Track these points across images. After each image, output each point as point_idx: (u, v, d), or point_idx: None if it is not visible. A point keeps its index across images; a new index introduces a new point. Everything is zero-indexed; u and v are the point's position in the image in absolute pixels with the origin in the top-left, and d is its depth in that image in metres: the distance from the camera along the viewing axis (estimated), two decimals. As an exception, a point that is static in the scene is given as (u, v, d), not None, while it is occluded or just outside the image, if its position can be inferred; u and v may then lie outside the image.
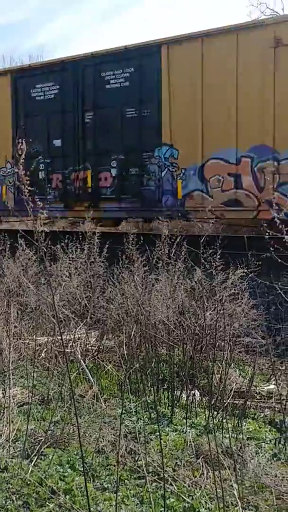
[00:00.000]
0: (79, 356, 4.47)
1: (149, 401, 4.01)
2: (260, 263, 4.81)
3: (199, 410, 4.02)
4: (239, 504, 2.52)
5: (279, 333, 6.53)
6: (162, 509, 2.48)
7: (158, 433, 3.20)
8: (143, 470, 2.89)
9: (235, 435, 3.48)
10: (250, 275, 4.45)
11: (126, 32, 46.25)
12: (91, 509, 2.51)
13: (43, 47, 61.30)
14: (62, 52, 52.20)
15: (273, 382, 4.65)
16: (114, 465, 3.02)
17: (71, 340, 4.71)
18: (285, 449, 3.28)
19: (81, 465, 2.90)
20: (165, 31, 48.01)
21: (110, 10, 52.92)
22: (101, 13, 52.46)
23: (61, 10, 54.31)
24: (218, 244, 4.10)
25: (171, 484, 2.84)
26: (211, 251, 4.14)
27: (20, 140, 11.23)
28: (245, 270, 4.45)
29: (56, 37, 52.71)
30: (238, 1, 50.24)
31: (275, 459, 3.19)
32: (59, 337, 4.24)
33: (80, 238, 5.34)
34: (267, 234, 2.96)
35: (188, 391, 4.13)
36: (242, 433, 3.55)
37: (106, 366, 4.63)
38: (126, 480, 2.93)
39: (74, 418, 2.90)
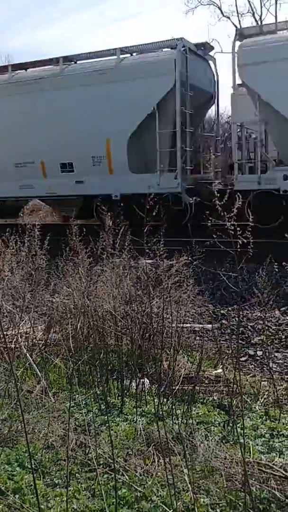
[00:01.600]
0: (25, 351, 4.36)
1: (98, 393, 3.98)
2: (203, 250, 4.87)
3: (149, 398, 4.02)
4: (190, 489, 2.54)
5: (225, 318, 6.67)
6: (114, 500, 2.46)
7: (108, 424, 3.18)
8: (93, 463, 2.87)
9: (185, 421, 3.51)
10: (194, 263, 4.48)
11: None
12: (42, 506, 2.45)
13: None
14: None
15: (221, 366, 4.73)
16: (64, 460, 2.97)
17: (16, 335, 4.59)
18: (234, 432, 3.34)
19: (30, 463, 2.84)
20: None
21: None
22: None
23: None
24: (162, 233, 4.10)
25: (122, 475, 2.83)
26: (155, 240, 4.13)
27: None
28: (189, 258, 4.47)
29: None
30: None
31: (224, 441, 3.24)
32: (1, 333, 4.12)
33: (20, 231, 5.19)
34: (209, 221, 2.97)
35: (138, 380, 4.13)
36: (192, 418, 3.59)
37: (53, 360, 4.55)
38: (77, 474, 2.89)
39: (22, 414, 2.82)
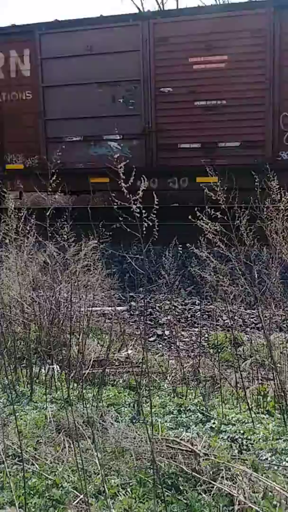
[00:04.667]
0: None
1: (6, 382, 3.87)
2: (111, 233, 4.86)
3: (59, 384, 3.99)
4: (101, 472, 2.56)
5: (134, 300, 6.76)
6: (24, 491, 2.42)
7: (14, 414, 3.10)
8: (1, 455, 2.79)
9: (96, 404, 3.53)
10: (101, 246, 4.48)
11: None
12: None
13: None
14: None
15: (130, 347, 4.80)
16: None
17: None
18: (142, 411, 3.41)
19: None
20: None
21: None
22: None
23: None
24: (68, 216, 4.03)
25: (32, 464, 2.79)
26: (61, 223, 4.07)
27: None
28: (96, 242, 4.46)
29: None
30: None
31: (133, 421, 3.30)
32: None
33: None
34: (115, 204, 2.96)
35: (47, 367, 4.08)
36: (102, 401, 3.61)
37: None
38: (-16, 469, 2.80)
39: None
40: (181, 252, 4.74)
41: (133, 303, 6.67)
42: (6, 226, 4.20)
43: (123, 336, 4.44)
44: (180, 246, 4.68)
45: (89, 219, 5.02)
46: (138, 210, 2.54)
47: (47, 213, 3.32)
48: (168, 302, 6.10)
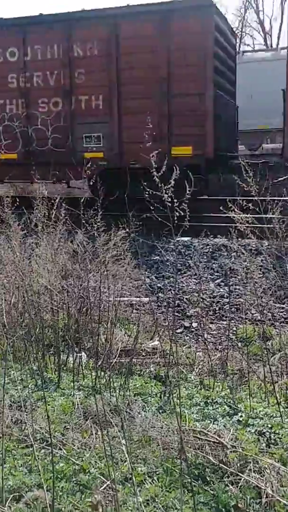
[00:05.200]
0: None
1: (35, 368, 3.92)
2: (141, 223, 4.86)
3: (86, 372, 4.02)
4: (128, 459, 2.57)
5: (162, 291, 6.74)
6: (52, 474, 2.44)
7: (44, 399, 3.14)
8: (30, 439, 2.83)
9: (123, 393, 3.54)
10: (131, 236, 4.47)
11: None
12: (-24, 485, 2.40)
13: None
14: None
15: (157, 338, 4.80)
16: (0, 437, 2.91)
17: None
18: (170, 401, 3.41)
19: None
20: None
21: None
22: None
23: None
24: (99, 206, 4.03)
25: (60, 449, 2.82)
26: (92, 213, 4.07)
27: None
28: (127, 230, 4.45)
29: None
30: None
31: (160, 411, 3.30)
32: None
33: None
34: (146, 194, 2.94)
35: (75, 354, 4.11)
36: (129, 390, 3.62)
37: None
38: (13, 451, 2.85)
39: None
40: (211, 243, 4.70)
41: (160, 294, 6.65)
42: (39, 213, 4.24)
43: (156, 327, 4.43)
44: (211, 236, 4.63)
45: (121, 209, 5.02)
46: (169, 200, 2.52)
47: (81, 201, 3.32)
48: (196, 294, 6.06)
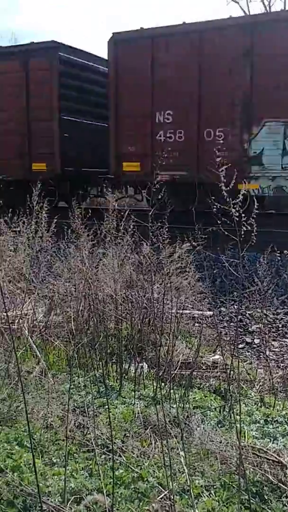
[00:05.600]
0: (26, 332, 4.41)
1: (97, 375, 4.03)
2: (206, 236, 4.88)
3: (147, 382, 4.08)
4: (186, 471, 2.60)
5: (224, 305, 6.71)
6: (111, 480, 2.52)
7: (106, 406, 3.23)
8: (92, 443, 2.92)
9: (182, 405, 3.57)
10: (196, 248, 4.50)
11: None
12: (40, 484, 2.51)
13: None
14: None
15: (218, 352, 4.78)
16: (63, 440, 3.03)
17: (17, 316, 4.63)
18: (229, 416, 3.40)
19: (29, 442, 2.89)
20: None
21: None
22: None
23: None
24: (165, 218, 4.10)
25: (120, 456, 2.89)
26: (158, 225, 4.15)
27: None
28: (193, 243, 4.49)
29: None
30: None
31: (219, 426, 3.30)
32: (5, 313, 4.16)
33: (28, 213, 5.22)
34: (214, 207, 2.98)
35: (136, 364, 4.18)
36: (189, 403, 3.65)
37: (53, 341, 4.60)
38: (75, 454, 2.95)
39: (21, 395, 2.87)
40: (277, 259, 4.65)
41: (223, 309, 6.62)
42: (108, 224, 4.38)
43: (219, 341, 4.42)
44: (278, 252, 4.58)
45: (187, 222, 5.07)
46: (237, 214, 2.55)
47: (150, 213, 3.41)
48: (260, 310, 5.99)
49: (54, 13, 50.36)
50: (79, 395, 3.69)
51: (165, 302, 4.33)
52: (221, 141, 9.78)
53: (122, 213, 4.39)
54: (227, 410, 3.52)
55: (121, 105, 10.80)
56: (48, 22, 49.47)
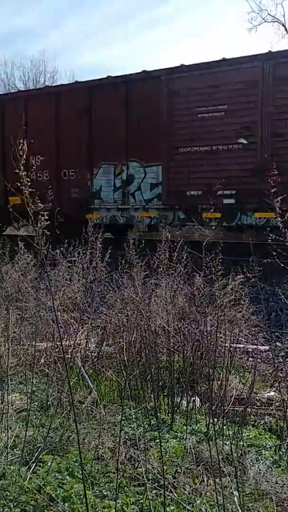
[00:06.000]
0: (79, 362, 4.44)
1: (149, 408, 3.98)
2: (261, 268, 4.80)
3: (199, 417, 3.99)
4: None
5: (280, 340, 6.51)
6: (162, 516, 2.45)
7: (158, 440, 3.17)
8: (143, 477, 2.86)
9: (235, 442, 3.45)
10: (251, 281, 4.43)
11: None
12: (90, 516, 2.48)
13: (45, 52, 62.56)
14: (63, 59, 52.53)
15: (274, 388, 4.62)
16: (114, 472, 2.99)
17: (70, 346, 4.68)
18: (286, 456, 3.25)
19: (80, 472, 2.87)
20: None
21: (115, 17, 52.87)
22: (107, 20, 52.48)
23: (67, 18, 54.44)
24: (219, 250, 4.08)
25: (171, 492, 2.81)
26: (211, 256, 4.13)
27: None
28: (248, 275, 4.43)
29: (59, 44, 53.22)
30: (238, 8, 50.94)
31: (275, 466, 3.16)
32: (59, 343, 4.22)
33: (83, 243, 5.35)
34: (269, 239, 2.94)
35: (189, 398, 4.10)
36: (242, 440, 3.52)
37: (105, 372, 4.60)
38: (125, 488, 2.90)
39: (73, 424, 2.87)
40: None
41: (278, 344, 6.42)
42: (161, 255, 4.40)
43: (276, 377, 4.28)
44: None
45: (240, 253, 5.03)
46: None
47: (203, 244, 3.41)
48: None
49: None
50: (130, 427, 3.65)
51: (218, 335, 4.26)
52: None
53: (175, 244, 4.40)
54: (284, 450, 3.37)
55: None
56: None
